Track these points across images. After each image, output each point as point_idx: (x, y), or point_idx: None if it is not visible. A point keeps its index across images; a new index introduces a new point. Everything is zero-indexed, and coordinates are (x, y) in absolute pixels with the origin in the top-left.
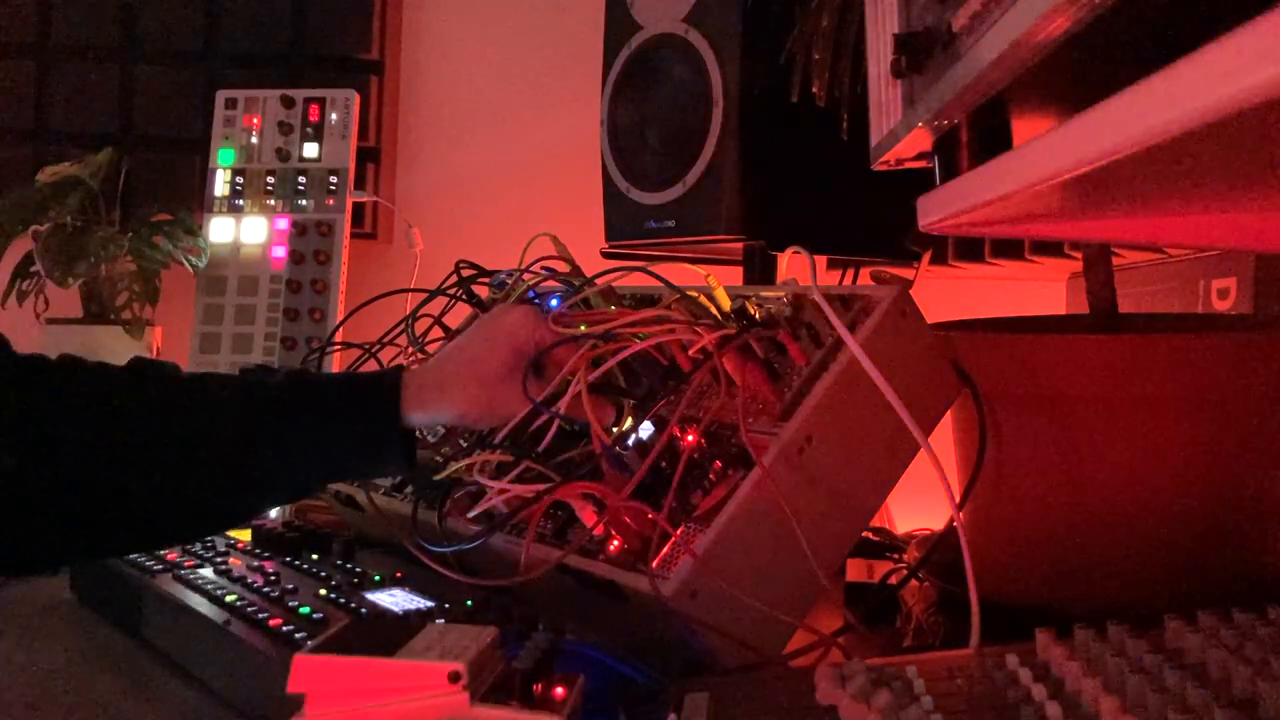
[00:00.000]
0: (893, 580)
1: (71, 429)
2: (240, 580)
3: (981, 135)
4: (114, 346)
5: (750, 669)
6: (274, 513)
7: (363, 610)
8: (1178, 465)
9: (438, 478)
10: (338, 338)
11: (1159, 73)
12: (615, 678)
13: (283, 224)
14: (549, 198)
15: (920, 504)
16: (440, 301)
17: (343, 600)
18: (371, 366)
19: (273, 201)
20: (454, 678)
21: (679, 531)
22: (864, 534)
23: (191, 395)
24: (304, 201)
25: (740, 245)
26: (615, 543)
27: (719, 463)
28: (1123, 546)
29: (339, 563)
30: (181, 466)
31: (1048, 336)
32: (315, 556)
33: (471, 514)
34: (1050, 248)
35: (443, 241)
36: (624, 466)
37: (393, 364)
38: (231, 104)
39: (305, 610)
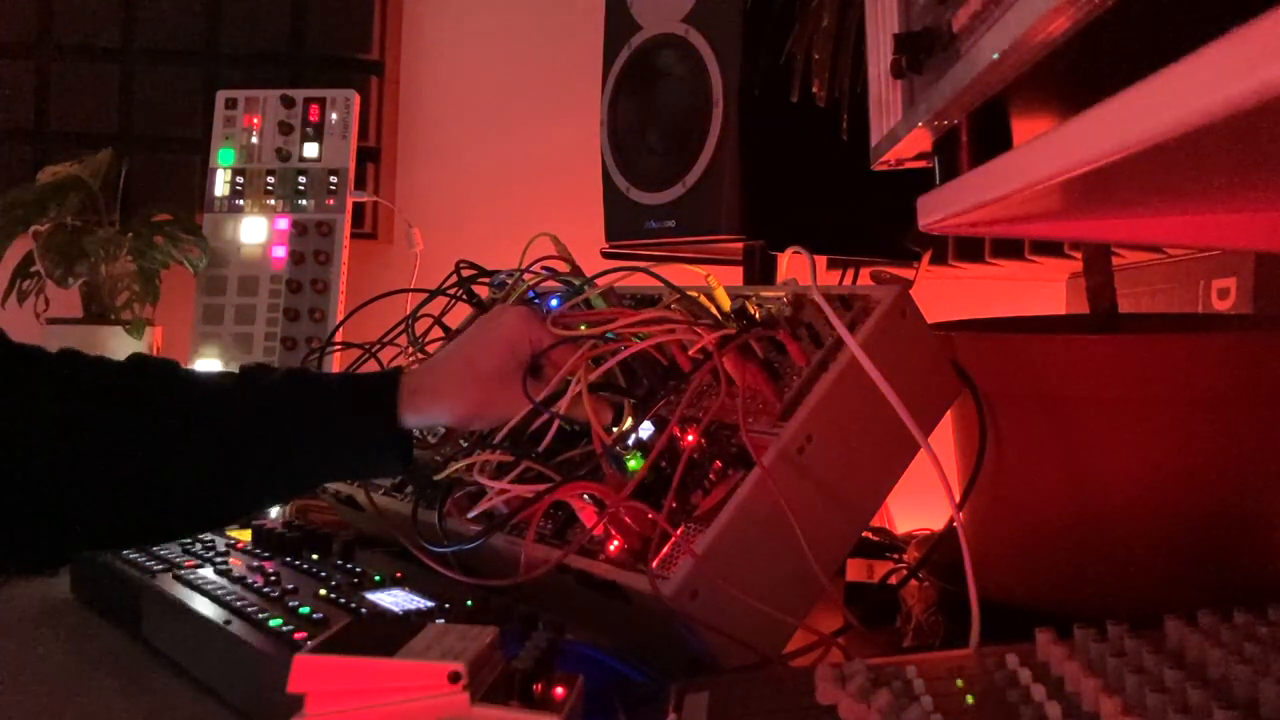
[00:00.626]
0: (893, 580)
1: (69, 422)
2: (240, 580)
3: (981, 135)
4: (114, 346)
5: (750, 669)
6: (274, 513)
7: (363, 610)
8: (1178, 465)
9: (438, 478)
10: (338, 338)
11: (1159, 73)
12: (615, 678)
13: (283, 224)
14: (549, 198)
15: (920, 504)
16: (440, 301)
17: (343, 600)
18: (371, 366)
19: (273, 201)
20: (454, 678)
21: (679, 531)
22: (864, 534)
23: (189, 391)
24: (304, 201)
25: (740, 245)
26: (615, 543)
27: (719, 463)
28: (1123, 547)
29: (339, 563)
30: (177, 462)
31: (1048, 336)
32: (315, 556)
33: (471, 514)
34: (1050, 248)
35: (443, 241)
36: (624, 466)
37: (393, 364)
38: (231, 104)
39: (305, 610)
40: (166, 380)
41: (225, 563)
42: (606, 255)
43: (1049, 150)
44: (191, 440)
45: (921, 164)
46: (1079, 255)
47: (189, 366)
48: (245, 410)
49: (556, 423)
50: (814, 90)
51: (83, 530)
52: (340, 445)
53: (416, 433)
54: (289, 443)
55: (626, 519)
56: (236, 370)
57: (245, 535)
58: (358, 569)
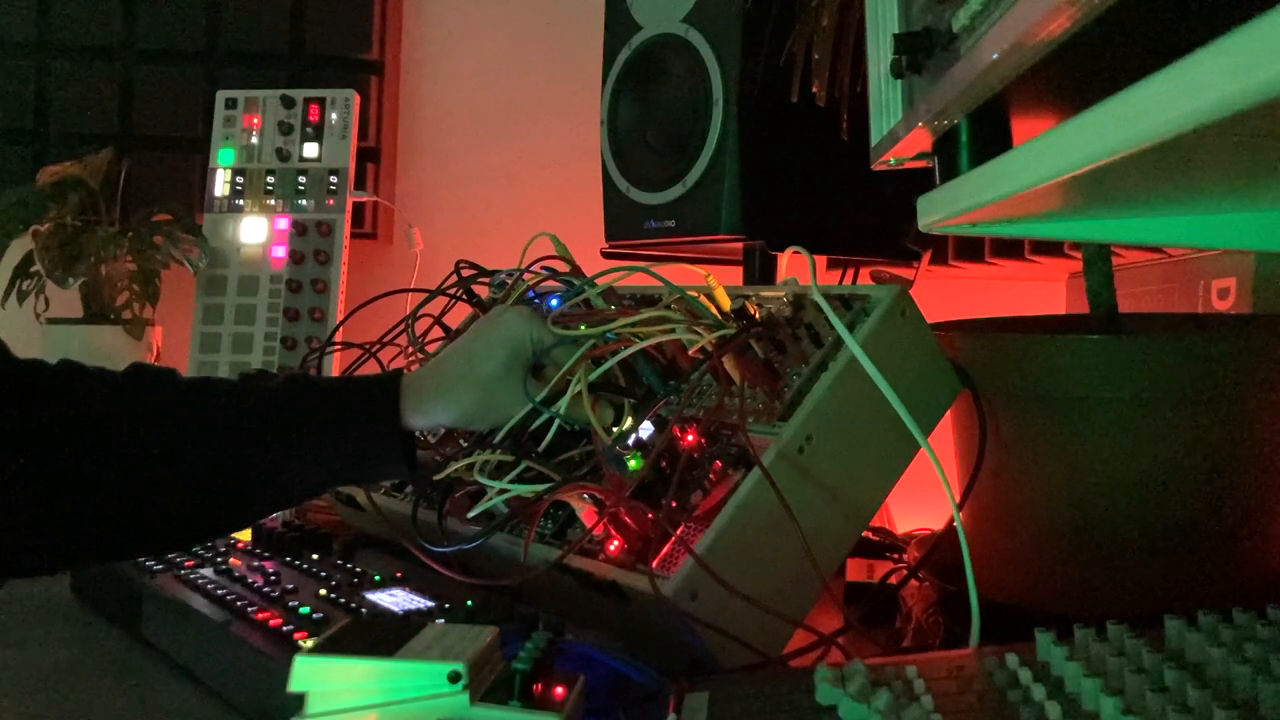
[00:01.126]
0: (893, 580)
1: (70, 435)
2: (240, 580)
3: (981, 135)
4: (114, 346)
5: (750, 669)
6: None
7: (363, 610)
8: (1178, 465)
9: (438, 478)
10: (338, 338)
11: (1158, 73)
12: (615, 678)
13: (283, 224)
14: (549, 198)
15: (920, 504)
16: (440, 301)
17: (343, 600)
18: (371, 366)
19: (273, 201)
20: (454, 678)
21: (679, 531)
22: (864, 534)
23: (190, 401)
24: (304, 201)
25: (740, 245)
26: (615, 543)
27: (719, 463)
28: (1123, 546)
29: (339, 563)
30: (181, 472)
31: (1048, 336)
32: (315, 556)
33: (471, 514)
34: (1050, 248)
35: (443, 241)
36: (624, 466)
37: (393, 364)
38: (231, 104)
39: (305, 610)
40: (167, 390)
41: (225, 563)
42: (606, 255)
43: (1049, 150)
44: (195, 449)
45: (921, 164)
46: (1079, 255)
47: (190, 368)
48: (247, 417)
49: (556, 423)
50: (814, 90)
51: (87, 543)
52: (344, 449)
53: (417, 433)
54: (292, 448)
55: (626, 519)
56: (237, 378)
57: (245, 535)
58: (358, 569)
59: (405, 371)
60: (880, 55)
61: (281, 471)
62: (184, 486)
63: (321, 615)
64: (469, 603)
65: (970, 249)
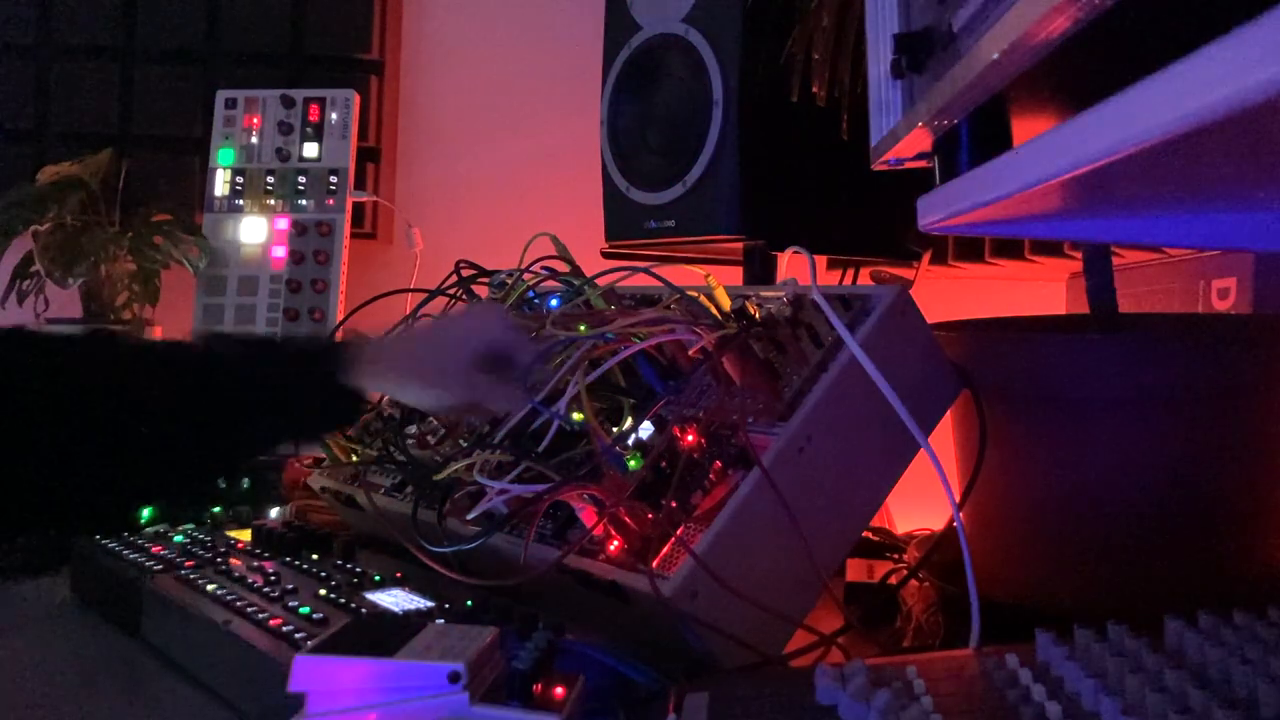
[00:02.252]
0: (893, 580)
1: (15, 398)
2: (240, 580)
3: (981, 135)
4: None
5: (750, 669)
6: (274, 512)
7: (363, 610)
8: (1178, 465)
9: (438, 478)
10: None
11: (1158, 73)
12: (615, 678)
13: (283, 224)
14: (549, 198)
15: (920, 504)
16: (440, 301)
17: (343, 600)
18: None
19: (273, 201)
20: (454, 678)
21: (679, 531)
22: (864, 534)
23: (143, 361)
24: (304, 201)
25: (740, 245)
26: (615, 543)
27: (719, 463)
28: (1123, 547)
29: (339, 563)
30: (125, 433)
31: (1048, 336)
32: (315, 556)
33: (471, 514)
34: (1050, 248)
35: (443, 241)
36: (624, 466)
37: None
38: (231, 104)
39: (305, 610)
40: (118, 353)
41: (225, 563)
42: (606, 255)
43: (1049, 150)
44: (138, 412)
45: (921, 164)
46: (1079, 255)
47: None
48: (201, 375)
49: (556, 423)
50: (814, 90)
51: (39, 507)
52: (283, 395)
53: (415, 430)
54: (246, 402)
55: (626, 519)
56: (195, 338)
57: (245, 535)
58: (358, 569)
59: (371, 339)
60: (880, 55)
61: (237, 428)
62: (134, 448)
63: (321, 615)
64: (469, 603)
65: (970, 249)
